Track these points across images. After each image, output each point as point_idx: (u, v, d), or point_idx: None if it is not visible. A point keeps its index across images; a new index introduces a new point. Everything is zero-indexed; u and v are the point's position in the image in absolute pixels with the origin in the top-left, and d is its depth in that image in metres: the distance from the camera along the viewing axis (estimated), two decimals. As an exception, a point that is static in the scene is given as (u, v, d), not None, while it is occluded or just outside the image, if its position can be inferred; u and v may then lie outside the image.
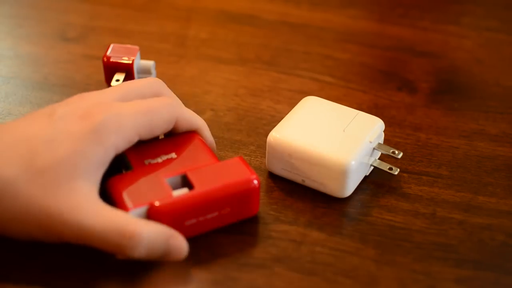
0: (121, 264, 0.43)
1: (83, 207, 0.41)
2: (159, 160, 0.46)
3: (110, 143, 0.42)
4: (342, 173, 0.47)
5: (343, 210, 0.48)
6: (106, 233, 0.40)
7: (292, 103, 0.53)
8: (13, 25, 0.69)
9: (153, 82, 0.48)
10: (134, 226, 0.41)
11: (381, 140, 0.51)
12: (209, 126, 0.53)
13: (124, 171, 0.46)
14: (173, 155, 0.46)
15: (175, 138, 0.48)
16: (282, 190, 0.49)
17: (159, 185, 0.44)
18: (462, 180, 0.51)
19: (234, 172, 0.45)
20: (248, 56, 0.64)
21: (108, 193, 0.44)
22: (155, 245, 0.41)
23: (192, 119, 0.48)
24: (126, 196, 0.43)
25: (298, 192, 0.49)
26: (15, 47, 0.65)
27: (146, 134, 0.45)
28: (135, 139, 0.44)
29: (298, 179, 0.49)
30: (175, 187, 0.45)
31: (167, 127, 0.46)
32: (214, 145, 0.50)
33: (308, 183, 0.49)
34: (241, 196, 0.45)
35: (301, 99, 0.53)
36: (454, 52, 0.66)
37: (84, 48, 0.64)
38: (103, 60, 0.55)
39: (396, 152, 0.50)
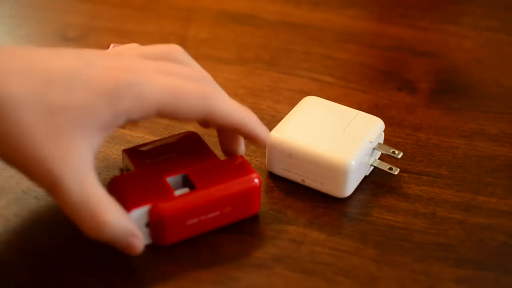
0: (120, 264, 0.43)
1: (74, 169, 0.39)
2: (160, 160, 0.46)
3: (124, 109, 0.40)
4: (342, 173, 0.47)
5: (343, 210, 0.48)
6: (79, 207, 0.39)
7: (292, 103, 0.53)
8: (13, 25, 0.69)
9: (172, 51, 0.45)
10: (106, 215, 0.40)
11: (381, 140, 0.51)
12: (209, 126, 0.53)
13: (124, 171, 0.46)
14: (174, 154, 0.47)
15: (176, 137, 0.48)
16: (282, 190, 0.49)
17: (160, 185, 0.44)
18: (462, 180, 0.51)
19: (235, 171, 0.45)
20: (248, 56, 0.64)
21: (110, 194, 0.44)
22: (116, 238, 0.41)
23: (229, 114, 0.43)
24: (127, 196, 0.43)
25: (298, 192, 0.49)
26: (15, 47, 0.65)
27: (167, 114, 0.42)
28: (152, 113, 0.41)
29: (298, 179, 0.49)
30: (176, 187, 0.45)
31: (193, 116, 0.42)
32: (266, 136, 0.46)
33: (308, 183, 0.49)
34: (243, 195, 0.45)
35: (301, 99, 0.53)
36: (454, 52, 0.66)
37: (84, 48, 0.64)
38: None
39: (396, 152, 0.50)
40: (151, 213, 0.43)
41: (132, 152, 0.46)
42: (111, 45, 0.57)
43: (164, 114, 0.42)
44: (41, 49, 0.41)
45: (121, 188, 0.44)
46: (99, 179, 0.41)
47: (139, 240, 0.42)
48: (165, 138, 0.48)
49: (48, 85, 0.39)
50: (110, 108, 0.40)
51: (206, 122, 0.44)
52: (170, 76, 0.42)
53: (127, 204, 0.43)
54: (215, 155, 0.47)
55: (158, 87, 0.41)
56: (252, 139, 0.45)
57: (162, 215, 0.43)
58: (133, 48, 0.46)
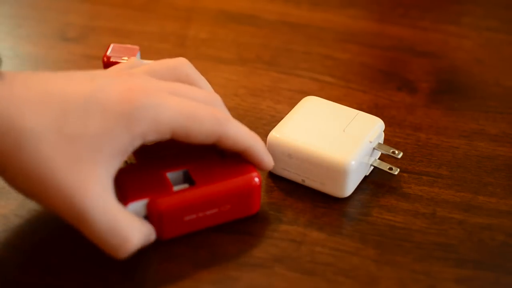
0: (120, 264, 0.43)
1: (97, 198, 0.39)
2: (162, 155, 0.46)
3: (140, 132, 0.40)
4: (342, 173, 0.47)
5: (343, 210, 0.48)
6: (107, 236, 0.40)
7: (292, 103, 0.53)
8: (13, 25, 0.69)
9: (180, 65, 0.46)
10: (133, 237, 0.41)
11: (381, 140, 0.51)
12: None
13: (127, 163, 0.46)
14: (176, 150, 0.47)
15: None
16: (282, 190, 0.49)
17: (160, 180, 0.44)
18: (462, 180, 0.51)
19: (236, 169, 0.45)
20: (248, 56, 0.64)
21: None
22: (139, 246, 0.42)
23: (239, 139, 0.44)
24: (127, 189, 0.43)
25: (298, 192, 0.49)
26: (15, 47, 0.65)
27: (181, 137, 0.42)
28: (167, 135, 0.42)
29: (298, 179, 0.49)
30: (176, 183, 0.45)
31: (205, 139, 0.43)
32: (270, 164, 0.46)
33: (308, 183, 0.49)
34: (242, 193, 0.45)
35: (301, 99, 0.53)
36: (454, 52, 0.66)
37: (84, 48, 0.64)
38: (103, 60, 0.55)
39: (396, 152, 0.50)
40: (149, 207, 0.43)
41: None
42: (111, 45, 0.57)
43: (178, 136, 0.42)
44: (53, 75, 0.41)
45: (121, 179, 0.44)
46: None
47: (154, 234, 0.43)
48: None
49: (65, 114, 0.39)
50: (127, 132, 0.40)
51: (216, 144, 0.44)
52: (184, 99, 0.43)
53: (126, 197, 0.43)
54: (216, 152, 0.47)
55: (174, 110, 0.41)
56: (257, 164, 0.46)
57: (160, 209, 0.43)
58: (137, 64, 0.46)
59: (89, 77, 0.42)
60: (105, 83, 0.41)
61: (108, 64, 0.55)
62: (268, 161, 0.46)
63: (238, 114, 0.56)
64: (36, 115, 0.39)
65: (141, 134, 0.41)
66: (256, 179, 0.45)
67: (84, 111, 0.39)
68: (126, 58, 0.55)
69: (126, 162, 0.46)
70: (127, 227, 0.41)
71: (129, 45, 0.57)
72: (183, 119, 0.42)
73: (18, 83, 0.39)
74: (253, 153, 0.45)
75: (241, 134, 0.45)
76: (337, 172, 0.47)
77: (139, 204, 0.43)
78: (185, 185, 0.45)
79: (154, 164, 0.45)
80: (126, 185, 0.44)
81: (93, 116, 0.39)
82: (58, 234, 0.45)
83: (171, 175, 0.45)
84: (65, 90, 0.40)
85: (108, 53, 0.55)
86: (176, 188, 0.44)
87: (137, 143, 0.41)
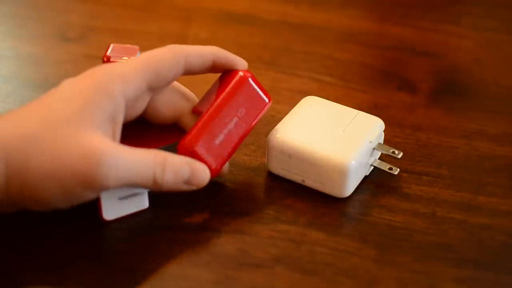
0: (119, 264, 0.43)
1: (111, 147, 0.42)
2: (137, 134, 0.47)
3: (117, 92, 0.43)
4: (342, 173, 0.47)
5: (343, 210, 0.48)
6: (141, 164, 0.42)
7: (292, 103, 0.53)
8: (13, 25, 0.69)
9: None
10: (161, 154, 0.43)
11: (381, 140, 0.51)
12: (209, 126, 0.53)
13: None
14: (152, 129, 0.48)
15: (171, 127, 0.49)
16: (282, 190, 0.49)
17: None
18: (462, 180, 0.51)
19: (225, 82, 0.48)
20: (248, 56, 0.64)
21: None
22: (181, 169, 0.44)
23: (203, 51, 0.47)
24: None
25: (298, 192, 0.49)
26: (15, 47, 0.65)
27: (155, 80, 0.45)
28: (142, 86, 0.44)
29: (298, 179, 0.49)
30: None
31: (176, 69, 0.46)
32: (244, 63, 0.49)
33: (308, 183, 0.49)
34: (243, 90, 0.47)
35: (301, 99, 0.53)
36: (454, 52, 0.66)
37: (84, 48, 0.64)
38: (103, 60, 0.55)
39: (396, 152, 0.50)
40: (180, 152, 0.45)
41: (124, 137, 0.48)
42: (111, 45, 0.57)
43: (152, 81, 0.45)
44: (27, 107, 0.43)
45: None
46: None
47: (202, 164, 0.45)
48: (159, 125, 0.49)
49: (49, 109, 0.42)
50: (105, 96, 0.43)
51: (192, 70, 0.47)
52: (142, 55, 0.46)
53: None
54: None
55: (133, 62, 0.45)
56: (232, 66, 0.48)
57: (191, 146, 0.45)
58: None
59: (57, 85, 0.44)
60: (71, 80, 0.44)
61: (108, 63, 0.55)
62: (239, 60, 0.48)
63: (238, 114, 0.56)
64: (27, 121, 0.42)
65: (119, 94, 0.43)
66: (242, 73, 0.47)
67: (63, 100, 0.43)
68: (126, 58, 0.55)
69: None
70: (153, 151, 0.43)
71: (129, 45, 0.57)
72: (146, 63, 0.45)
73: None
74: (222, 58, 0.48)
75: (200, 47, 0.47)
76: (337, 172, 0.47)
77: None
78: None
79: (143, 143, 0.47)
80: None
81: (72, 99, 0.42)
82: (58, 234, 0.45)
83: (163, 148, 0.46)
84: (43, 98, 0.43)
85: (108, 53, 0.56)
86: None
87: (121, 105, 0.43)
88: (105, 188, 0.41)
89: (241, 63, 0.48)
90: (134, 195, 0.46)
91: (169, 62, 0.46)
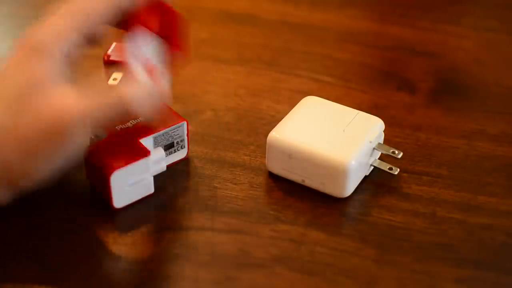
0: (119, 264, 0.43)
1: (74, 95, 0.41)
2: (130, 124, 0.49)
3: (55, 52, 0.43)
4: (342, 173, 0.47)
5: (343, 210, 0.48)
6: (109, 100, 0.42)
7: (292, 103, 0.53)
8: (13, 25, 0.69)
9: None
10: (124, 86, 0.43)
11: (381, 140, 0.51)
12: (209, 126, 0.54)
13: (94, 139, 0.48)
14: (141, 119, 0.49)
15: None
16: (282, 190, 0.49)
17: (135, 146, 0.47)
18: (462, 180, 0.51)
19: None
20: (248, 56, 0.64)
21: (88, 162, 0.47)
22: (147, 94, 0.43)
23: None
24: (108, 160, 0.46)
25: (298, 192, 0.49)
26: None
27: (88, 25, 0.44)
28: (78, 38, 0.44)
29: (298, 179, 0.49)
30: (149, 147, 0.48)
31: (108, 10, 0.45)
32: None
33: (308, 183, 0.49)
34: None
35: (301, 99, 0.53)
36: (454, 52, 0.66)
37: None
38: (103, 59, 0.55)
39: (396, 152, 0.50)
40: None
41: None
42: (114, 44, 0.57)
43: (86, 27, 0.44)
44: None
45: (99, 153, 0.46)
46: None
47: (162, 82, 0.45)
48: None
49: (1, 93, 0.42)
50: (47, 58, 0.42)
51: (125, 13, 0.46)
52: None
53: (109, 167, 0.45)
54: (179, 116, 0.50)
55: (60, 16, 0.45)
56: None
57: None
58: None
59: None
60: (5, 56, 0.43)
61: (107, 62, 0.55)
62: None
63: (238, 114, 0.56)
64: None
65: (58, 52, 0.43)
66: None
67: (6, 77, 0.42)
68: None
69: (93, 139, 0.48)
70: (116, 86, 0.44)
71: None
72: (75, 12, 0.44)
73: None
74: None
75: None
76: (337, 172, 0.47)
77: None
78: (160, 149, 0.48)
79: (125, 134, 0.48)
80: (106, 157, 0.46)
81: (15, 74, 0.42)
82: (57, 234, 0.45)
83: (143, 142, 0.48)
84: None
85: (109, 51, 0.56)
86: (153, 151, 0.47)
87: (64, 61, 0.43)
88: (77, 144, 0.42)
89: None
90: (142, 181, 0.47)
91: (101, 11, 0.45)
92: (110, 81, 0.55)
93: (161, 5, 0.47)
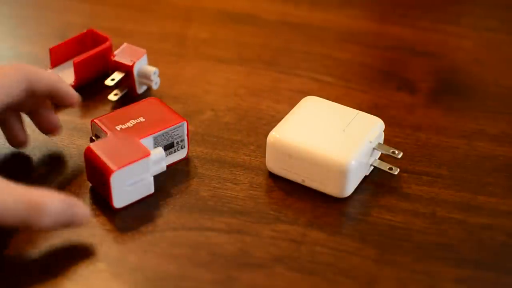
0: (119, 264, 0.43)
1: None
2: (130, 124, 0.49)
3: None
4: (342, 173, 0.47)
5: (343, 210, 0.48)
6: (16, 206, 0.40)
7: (292, 103, 0.53)
8: (13, 25, 0.69)
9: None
10: (40, 197, 0.41)
11: (381, 140, 0.51)
12: (209, 126, 0.54)
13: (95, 139, 0.49)
14: (142, 119, 0.49)
15: (138, 104, 0.51)
16: (282, 190, 0.49)
17: (136, 146, 0.47)
18: (462, 180, 0.51)
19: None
20: (248, 56, 0.64)
21: (88, 160, 0.47)
22: (60, 213, 0.42)
23: (43, 75, 0.48)
24: (107, 160, 0.46)
25: (298, 192, 0.49)
26: (15, 47, 0.65)
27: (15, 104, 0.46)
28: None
29: (298, 179, 0.49)
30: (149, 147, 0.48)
31: (19, 88, 0.46)
32: (73, 94, 0.50)
33: (308, 183, 0.49)
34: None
35: (301, 99, 0.53)
36: (454, 52, 0.66)
37: (84, 48, 0.64)
38: (109, 58, 0.56)
39: (396, 152, 0.50)
40: None
41: (102, 120, 0.49)
42: (124, 44, 0.58)
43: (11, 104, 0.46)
44: None
45: (99, 153, 0.46)
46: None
47: (83, 207, 0.44)
48: (129, 105, 0.51)
49: None
50: None
51: (31, 93, 0.47)
52: None
53: (109, 167, 0.45)
54: (178, 115, 0.50)
55: None
56: (63, 98, 0.49)
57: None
58: None
59: None
60: None
61: (111, 63, 0.56)
62: (72, 94, 0.50)
63: (238, 114, 0.56)
64: None
65: None
66: None
67: None
68: (129, 59, 0.56)
69: (93, 139, 0.49)
70: (32, 193, 0.41)
71: (138, 48, 0.58)
72: None
73: None
74: (60, 86, 0.49)
75: (44, 72, 0.48)
76: (337, 172, 0.47)
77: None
78: (159, 149, 0.48)
79: (125, 134, 0.48)
80: (106, 157, 0.46)
81: None
82: (58, 234, 0.45)
83: (143, 142, 0.48)
84: None
85: (116, 52, 0.57)
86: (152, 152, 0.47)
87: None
88: None
89: (71, 97, 0.49)
90: (141, 181, 0.47)
91: (16, 81, 0.46)
92: (108, 81, 0.56)
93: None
